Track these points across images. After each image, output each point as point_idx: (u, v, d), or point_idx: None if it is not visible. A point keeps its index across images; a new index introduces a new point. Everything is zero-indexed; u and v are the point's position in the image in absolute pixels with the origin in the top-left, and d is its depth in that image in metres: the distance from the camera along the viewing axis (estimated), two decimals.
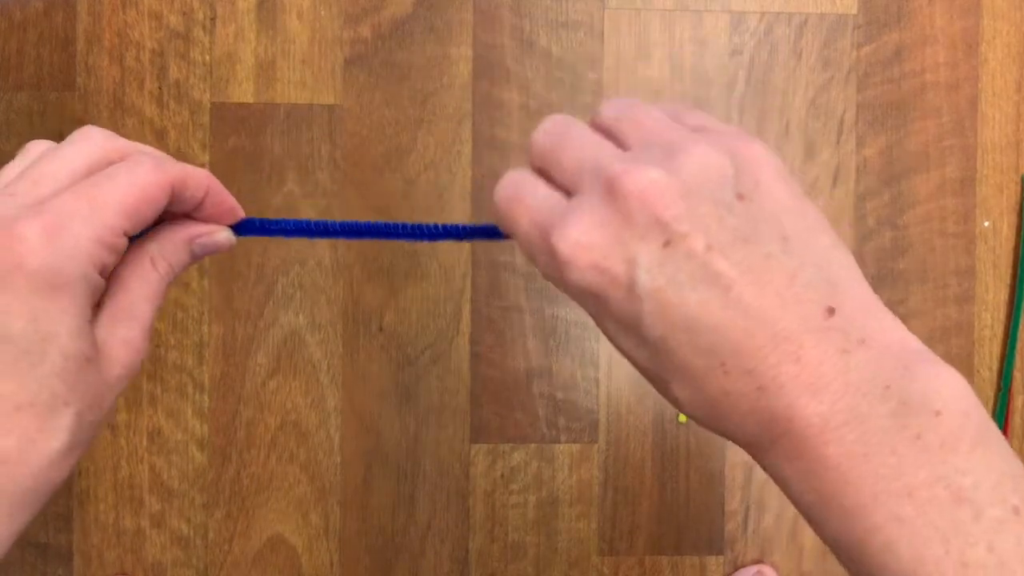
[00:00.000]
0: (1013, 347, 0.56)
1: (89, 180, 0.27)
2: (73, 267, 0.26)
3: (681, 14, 0.56)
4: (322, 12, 0.56)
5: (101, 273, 0.27)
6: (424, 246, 0.56)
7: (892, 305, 0.57)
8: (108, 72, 0.55)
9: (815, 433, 0.24)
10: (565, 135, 0.27)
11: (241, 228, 0.31)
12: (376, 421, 0.55)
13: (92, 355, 0.26)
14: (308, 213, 0.56)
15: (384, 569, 0.56)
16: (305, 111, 0.56)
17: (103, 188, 0.27)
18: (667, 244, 0.25)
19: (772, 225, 0.25)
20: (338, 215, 0.56)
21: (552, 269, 0.25)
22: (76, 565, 0.55)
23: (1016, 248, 0.56)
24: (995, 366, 0.57)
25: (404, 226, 0.29)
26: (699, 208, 0.25)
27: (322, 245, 0.56)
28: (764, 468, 0.25)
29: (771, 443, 0.24)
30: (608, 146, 0.27)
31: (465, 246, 0.56)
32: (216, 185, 0.29)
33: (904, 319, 0.59)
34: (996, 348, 0.57)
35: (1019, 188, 0.57)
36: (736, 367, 0.24)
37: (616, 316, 0.25)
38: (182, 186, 0.28)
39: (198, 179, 0.28)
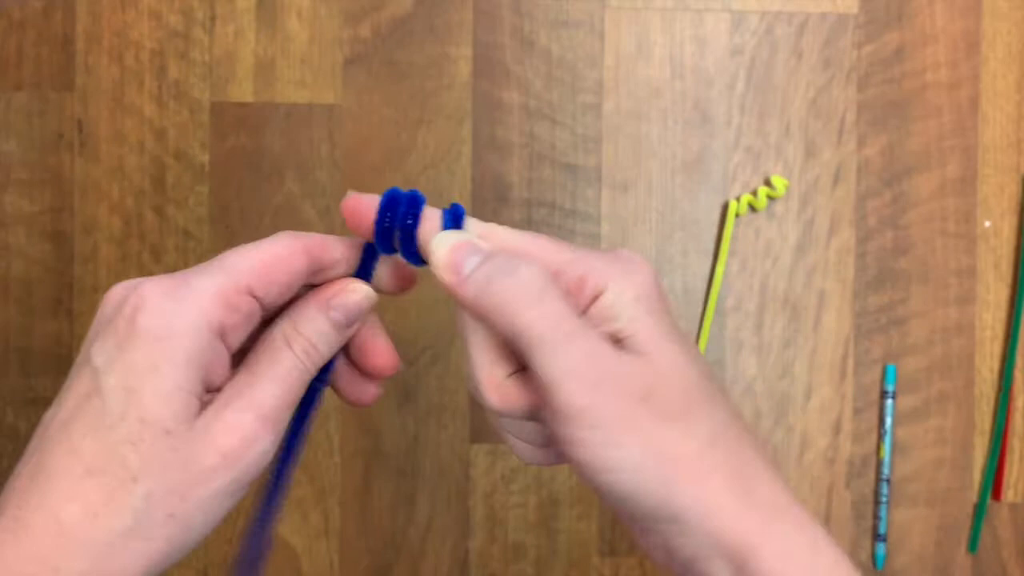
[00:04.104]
0: (1014, 347, 0.56)
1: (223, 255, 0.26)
2: (183, 320, 0.24)
3: (682, 13, 0.56)
4: (322, 11, 0.56)
5: (221, 335, 0.25)
6: None
7: (893, 305, 0.57)
8: (107, 72, 0.55)
9: (810, 522, 0.25)
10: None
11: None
12: (376, 421, 0.55)
13: (174, 428, 0.23)
14: (308, 213, 0.56)
15: (384, 569, 0.55)
16: (305, 111, 0.55)
17: (234, 253, 0.26)
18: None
19: None
20: (338, 215, 0.56)
21: (618, 265, 0.26)
22: None
23: (1017, 248, 0.56)
24: (996, 366, 0.57)
25: None
26: None
27: None
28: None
29: (786, 509, 0.25)
30: None
31: None
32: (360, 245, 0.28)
33: (905, 319, 0.59)
34: (997, 348, 0.57)
35: (1020, 188, 0.57)
36: (748, 428, 0.26)
37: (670, 332, 0.26)
38: (324, 250, 0.27)
39: (338, 244, 0.28)
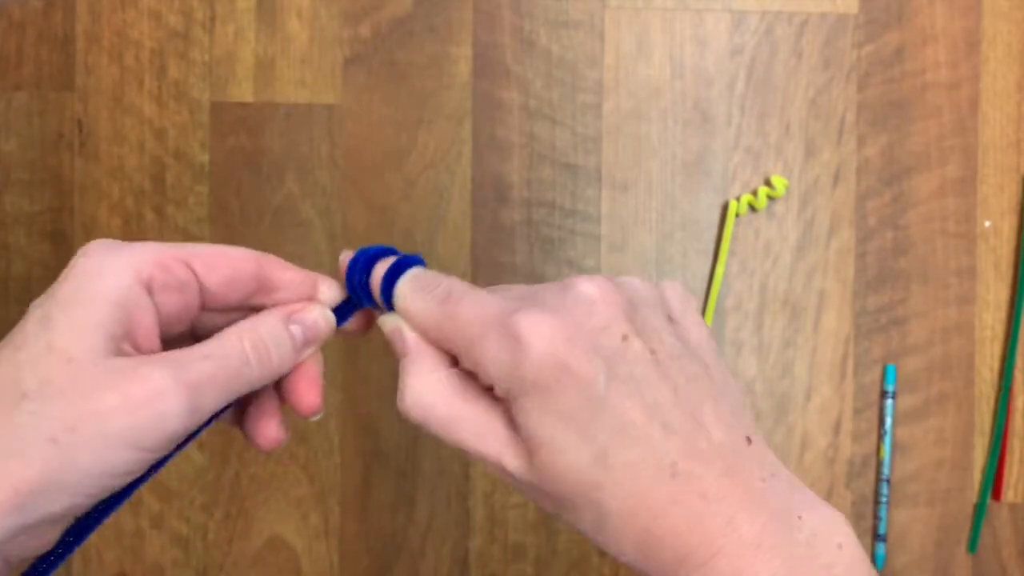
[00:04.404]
0: (1014, 347, 0.56)
1: None
2: (112, 264, 0.25)
3: (682, 13, 0.56)
4: (322, 11, 0.56)
5: (149, 288, 0.26)
6: (423, 244, 0.56)
7: (893, 305, 0.57)
8: (107, 71, 0.55)
9: (750, 552, 0.24)
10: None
11: (342, 313, 0.30)
12: (376, 421, 0.55)
13: (80, 359, 0.23)
14: (308, 213, 0.56)
15: (384, 569, 0.55)
16: (305, 111, 0.55)
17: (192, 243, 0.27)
18: (625, 338, 0.25)
19: (696, 350, 0.26)
20: (338, 215, 0.56)
21: (503, 355, 0.25)
22: (75, 565, 0.55)
23: (1017, 248, 0.56)
24: (996, 366, 0.57)
25: None
26: (643, 315, 0.26)
27: (322, 244, 0.56)
28: None
29: (701, 564, 0.24)
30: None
31: (464, 245, 0.56)
32: (319, 278, 0.29)
33: (904, 319, 0.59)
34: (997, 348, 0.57)
35: (1020, 188, 0.57)
36: (685, 470, 0.24)
37: (564, 410, 0.24)
38: (277, 266, 0.28)
39: (295, 270, 0.29)
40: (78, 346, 0.23)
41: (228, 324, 0.28)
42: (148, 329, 0.26)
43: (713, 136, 0.56)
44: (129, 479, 0.25)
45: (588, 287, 0.26)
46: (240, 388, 0.26)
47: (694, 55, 0.56)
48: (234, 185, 0.56)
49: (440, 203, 0.56)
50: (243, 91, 0.56)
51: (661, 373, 0.25)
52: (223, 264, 0.27)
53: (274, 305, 0.29)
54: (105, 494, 0.24)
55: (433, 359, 0.27)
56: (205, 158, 0.56)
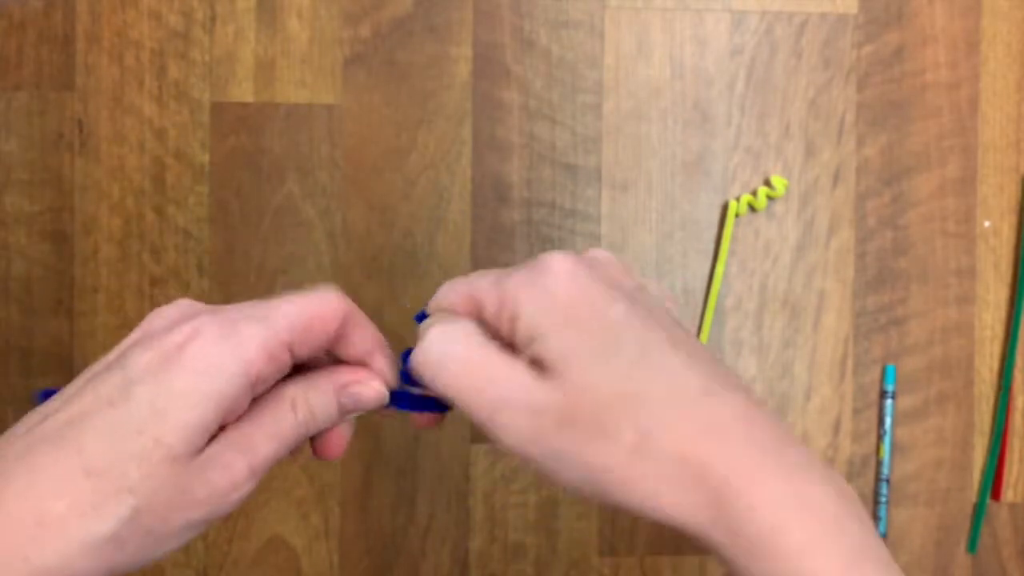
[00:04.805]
0: (1014, 347, 0.56)
1: (269, 299, 0.27)
2: (229, 366, 0.25)
3: (682, 13, 0.56)
4: (322, 12, 0.56)
5: (254, 384, 0.26)
6: (423, 244, 0.56)
7: (892, 305, 0.57)
8: (108, 72, 0.55)
9: (778, 499, 0.24)
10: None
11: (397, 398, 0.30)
12: (376, 421, 0.55)
13: (182, 457, 0.25)
14: (308, 213, 0.56)
15: (384, 569, 0.55)
16: (305, 111, 0.55)
17: (280, 304, 0.27)
18: (639, 288, 0.27)
19: (660, 319, 0.27)
20: (338, 215, 0.56)
21: (536, 291, 0.25)
22: None
23: (1017, 248, 0.56)
24: (996, 366, 0.57)
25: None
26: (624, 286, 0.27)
27: (322, 244, 0.56)
28: (709, 544, 0.24)
29: (742, 494, 0.24)
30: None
31: (464, 245, 0.56)
32: (381, 348, 0.29)
33: (904, 319, 0.59)
34: (997, 348, 0.57)
35: (1020, 188, 0.57)
36: (719, 391, 0.25)
37: (596, 331, 0.25)
38: (352, 325, 0.28)
39: (367, 331, 0.29)
40: (183, 445, 0.25)
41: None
42: (239, 412, 0.27)
43: (713, 136, 0.56)
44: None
45: (595, 252, 0.28)
46: (289, 451, 0.28)
47: (694, 55, 0.56)
48: (234, 185, 0.56)
49: (440, 203, 0.56)
50: (243, 91, 0.56)
51: (669, 319, 0.27)
52: (316, 336, 0.27)
53: (340, 351, 0.29)
54: None
55: (456, 315, 0.27)
56: (205, 158, 0.56)
